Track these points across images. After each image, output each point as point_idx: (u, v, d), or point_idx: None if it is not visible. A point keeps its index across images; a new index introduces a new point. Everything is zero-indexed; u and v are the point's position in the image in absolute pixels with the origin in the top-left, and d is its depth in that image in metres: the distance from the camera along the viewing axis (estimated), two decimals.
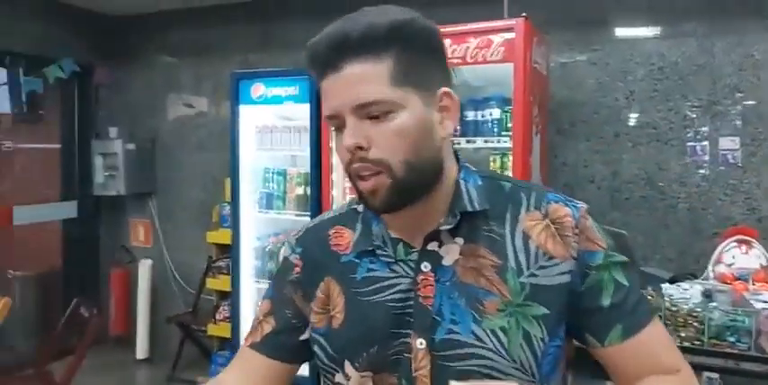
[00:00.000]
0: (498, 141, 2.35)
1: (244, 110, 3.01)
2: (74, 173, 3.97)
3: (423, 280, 0.74)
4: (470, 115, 2.44)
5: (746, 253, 2.21)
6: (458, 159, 0.81)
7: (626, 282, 0.76)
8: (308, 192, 2.87)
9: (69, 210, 3.95)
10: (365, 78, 0.69)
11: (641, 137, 2.73)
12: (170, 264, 3.89)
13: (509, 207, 0.77)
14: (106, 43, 3.98)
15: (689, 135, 2.66)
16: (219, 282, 3.32)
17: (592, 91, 2.78)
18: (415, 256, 0.76)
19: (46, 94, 3.71)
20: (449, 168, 0.77)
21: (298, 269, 0.84)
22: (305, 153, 2.84)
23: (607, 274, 0.76)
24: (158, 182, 3.93)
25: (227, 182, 3.31)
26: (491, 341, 0.71)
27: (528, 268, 0.74)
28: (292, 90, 2.87)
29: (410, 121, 0.70)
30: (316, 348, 0.81)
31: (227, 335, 3.18)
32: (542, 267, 0.74)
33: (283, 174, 3.03)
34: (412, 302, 0.74)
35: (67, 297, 3.66)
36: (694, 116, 2.65)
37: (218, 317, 3.33)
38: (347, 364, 0.77)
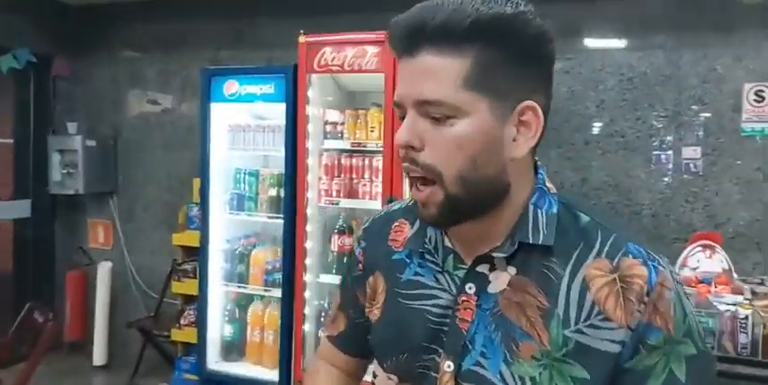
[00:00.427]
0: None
1: (215, 107, 2.93)
2: (28, 170, 3.76)
3: (464, 301, 0.69)
4: None
5: (710, 257, 2.30)
6: (538, 178, 0.71)
7: (684, 379, 0.62)
8: (282, 193, 2.82)
9: (22, 209, 3.74)
10: (434, 73, 0.62)
11: (610, 144, 2.81)
12: (131, 267, 3.74)
13: (578, 246, 0.67)
14: (66, 34, 3.79)
15: (654, 144, 2.76)
16: (185, 286, 3.22)
17: (565, 99, 2.85)
18: (462, 273, 0.70)
19: None
20: (518, 190, 0.68)
21: (360, 265, 0.82)
22: (279, 153, 2.79)
23: (662, 361, 0.62)
24: (120, 181, 3.78)
25: (195, 182, 3.21)
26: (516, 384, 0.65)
27: (577, 322, 0.64)
28: (267, 88, 2.82)
29: (471, 132, 0.62)
30: None
31: (193, 340, 3.08)
32: (593, 326, 0.64)
33: (255, 174, 2.97)
34: (449, 320, 0.69)
35: (19, 301, 3.47)
36: (660, 126, 2.75)
37: (182, 321, 3.22)
38: (376, 363, 0.76)
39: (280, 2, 3.32)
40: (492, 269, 0.69)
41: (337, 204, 2.69)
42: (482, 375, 0.66)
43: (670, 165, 2.74)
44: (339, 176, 2.72)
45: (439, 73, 0.62)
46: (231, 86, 2.88)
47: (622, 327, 0.63)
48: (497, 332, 0.66)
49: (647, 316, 0.63)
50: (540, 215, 0.68)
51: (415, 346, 0.71)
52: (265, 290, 2.88)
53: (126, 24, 3.74)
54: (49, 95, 3.82)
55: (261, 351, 2.87)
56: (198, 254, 3.05)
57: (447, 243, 0.73)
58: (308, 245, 2.70)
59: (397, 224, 0.80)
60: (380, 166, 2.57)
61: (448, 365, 0.68)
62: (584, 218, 0.69)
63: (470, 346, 0.67)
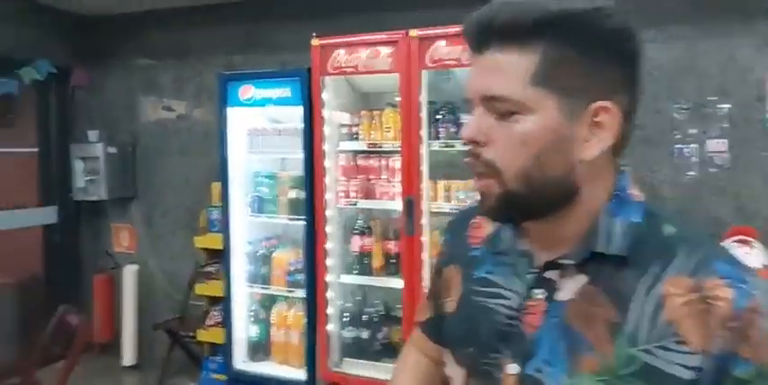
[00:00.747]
0: None
1: (232, 112, 2.96)
2: (52, 177, 3.84)
3: (532, 306, 0.67)
4: (466, 117, 2.46)
5: (749, 252, 2.23)
6: (620, 184, 0.67)
7: None
8: (301, 195, 2.84)
9: (49, 215, 3.83)
10: (501, 69, 0.61)
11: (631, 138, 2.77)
12: (155, 270, 3.81)
13: (657, 259, 0.62)
14: (83, 44, 3.85)
15: (677, 137, 2.71)
16: (209, 288, 3.27)
17: None
18: (532, 278, 0.68)
19: (21, 96, 3.58)
20: (591, 194, 0.65)
21: (444, 258, 0.84)
22: (296, 156, 2.81)
23: None
24: (140, 186, 3.83)
25: (214, 186, 3.25)
26: None
27: (646, 342, 0.60)
28: (282, 91, 2.83)
29: (536, 129, 0.61)
30: None
31: (219, 340, 3.14)
32: (664, 348, 0.59)
33: (274, 177, 3.00)
34: (516, 323, 0.68)
35: (50, 304, 3.56)
36: (682, 118, 2.70)
37: (208, 322, 3.28)
38: (447, 352, 0.76)
39: (291, 5, 3.32)
40: (562, 276, 0.66)
41: (355, 205, 2.71)
42: (542, 383, 0.64)
43: (694, 159, 2.69)
44: (356, 177, 2.73)
45: (506, 69, 0.61)
46: (247, 91, 2.90)
47: (698, 353, 0.58)
48: (562, 342, 0.64)
49: (733, 344, 0.57)
50: (615, 223, 0.64)
51: (483, 344, 0.70)
52: (288, 291, 2.91)
53: (140, 33, 3.78)
54: (69, 105, 3.89)
55: (286, 350, 2.91)
56: (220, 256, 3.10)
57: (521, 245, 0.71)
58: (329, 246, 2.72)
59: (475, 221, 0.80)
60: (398, 166, 2.58)
61: (514, 367, 0.67)
62: (670, 229, 0.64)
63: (535, 352, 0.66)
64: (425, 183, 2.47)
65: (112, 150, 3.63)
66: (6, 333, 3.64)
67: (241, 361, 2.98)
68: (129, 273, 3.77)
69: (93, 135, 3.68)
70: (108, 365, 3.78)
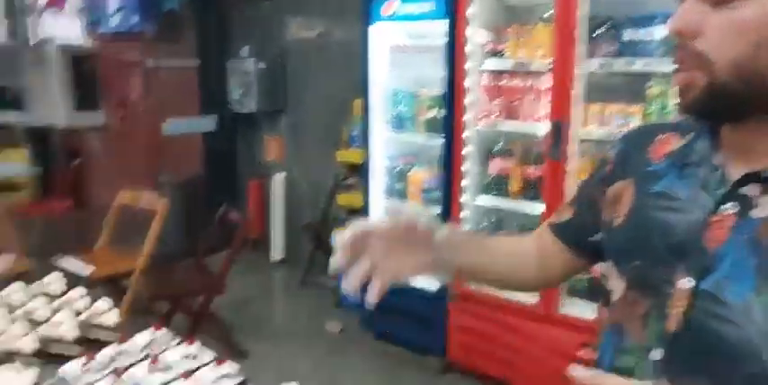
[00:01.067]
0: (660, 64, 2.14)
1: (374, 29, 2.95)
2: (211, 89, 4.20)
3: (718, 221, 0.64)
4: (629, 34, 2.23)
5: None
6: None
7: None
8: (440, 114, 2.84)
9: (210, 123, 4.25)
10: None
11: None
12: (300, 179, 4.14)
13: None
14: None
15: None
16: (349, 199, 3.50)
17: None
18: (723, 191, 0.65)
19: (183, 13, 3.84)
20: None
21: (610, 167, 0.81)
22: (437, 74, 2.77)
23: None
24: (289, 100, 4.07)
25: (356, 102, 3.35)
26: (762, 318, 0.60)
27: None
28: (427, 6, 2.74)
29: (757, 17, 0.56)
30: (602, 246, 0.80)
31: None
32: None
33: (413, 95, 3.00)
34: (697, 237, 0.65)
35: (210, 203, 4.05)
36: None
37: None
38: (610, 264, 0.76)
39: None
40: (763, 192, 0.62)
41: (496, 126, 2.66)
42: (719, 298, 0.63)
43: None
44: (499, 98, 2.65)
45: None
46: (390, 6, 2.85)
47: None
48: (752, 259, 0.61)
49: None
50: None
51: (654, 257, 0.69)
52: (423, 208, 3.03)
53: None
54: (226, 20, 4.11)
55: None
56: (359, 170, 3.26)
57: (715, 160, 0.68)
58: (466, 167, 2.74)
59: (663, 136, 0.77)
60: (546, 87, 2.45)
61: (688, 280, 0.65)
62: None
63: (715, 267, 0.64)
64: (576, 106, 2.34)
65: (262, 66, 3.84)
66: (175, 225, 4.25)
67: None
68: (278, 180, 4.15)
69: (244, 50, 3.90)
70: (258, 260, 4.30)
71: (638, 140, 0.79)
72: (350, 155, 3.45)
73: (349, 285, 0.78)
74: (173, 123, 4.03)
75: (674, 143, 0.74)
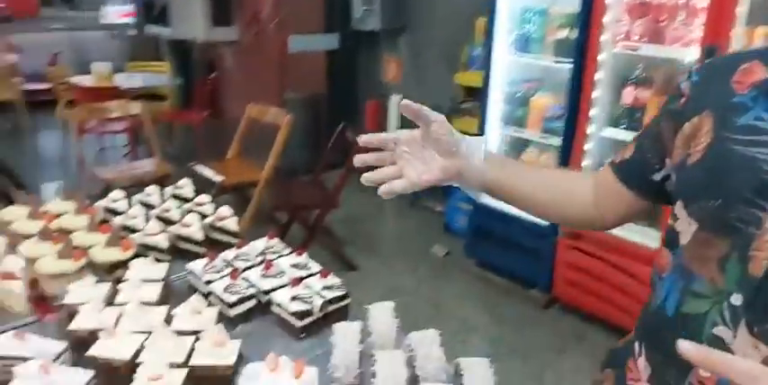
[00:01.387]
0: None
1: None
2: (335, 7, 4.16)
3: None
4: None
5: None
6: None
7: None
8: (572, 35, 2.58)
9: (332, 41, 4.26)
10: None
11: None
12: (416, 101, 4.08)
13: None
14: None
15: None
16: (464, 124, 3.40)
17: None
18: None
19: None
20: None
21: (683, 99, 0.75)
22: None
23: None
24: (410, 18, 3.93)
25: (479, 22, 3.15)
26: None
27: None
28: None
29: None
30: (668, 185, 0.77)
31: None
32: None
33: (544, 13, 2.75)
34: None
35: (330, 120, 4.16)
36: None
37: None
38: (680, 204, 0.71)
39: None
40: None
41: (636, 51, 2.37)
42: None
43: None
44: (644, 17, 2.34)
45: None
46: None
47: None
48: None
49: None
50: None
51: (735, 196, 0.64)
52: (542, 137, 2.87)
53: None
54: None
55: None
56: (476, 94, 3.13)
57: None
58: (596, 94, 2.52)
59: (746, 66, 0.70)
60: (701, 6, 2.11)
61: None
62: None
63: None
64: (738, 29, 2.00)
65: None
66: (297, 141, 4.45)
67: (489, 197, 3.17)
68: (394, 102, 4.12)
69: None
70: None
71: (718, 70, 0.72)
72: (469, 77, 3.31)
73: (368, 179, 0.80)
74: (297, 40, 4.10)
75: (760, 72, 0.68)
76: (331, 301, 1.16)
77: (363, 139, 0.82)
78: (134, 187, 2.40)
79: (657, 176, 0.77)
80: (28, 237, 1.36)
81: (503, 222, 2.97)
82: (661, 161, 0.77)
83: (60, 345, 1.01)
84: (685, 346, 0.45)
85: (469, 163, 0.82)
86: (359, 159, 0.82)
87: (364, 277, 3.13)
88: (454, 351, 1.02)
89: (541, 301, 2.89)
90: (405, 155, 0.81)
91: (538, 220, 2.83)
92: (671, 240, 0.72)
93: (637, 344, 0.78)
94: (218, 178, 3.25)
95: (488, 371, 0.95)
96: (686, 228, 0.69)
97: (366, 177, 0.81)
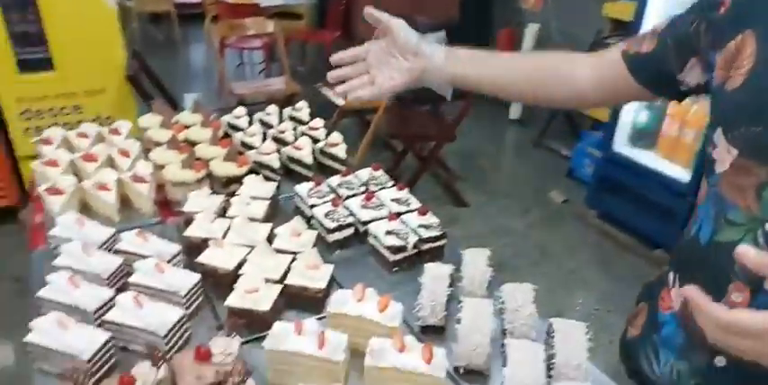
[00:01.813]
0: None
1: None
2: None
3: None
4: None
5: None
6: None
7: None
8: None
9: None
10: None
11: None
12: (555, 32, 3.73)
13: None
14: None
15: None
16: None
17: None
18: None
19: None
20: None
21: (723, 9, 0.67)
22: None
23: None
24: None
25: None
26: None
27: None
28: None
29: None
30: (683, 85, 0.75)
31: (603, 118, 3.08)
32: None
33: None
34: None
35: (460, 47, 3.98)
36: None
37: None
38: (719, 130, 0.66)
39: None
40: None
41: None
42: None
43: None
44: None
45: None
46: None
47: None
48: None
49: None
50: None
51: None
52: None
53: None
54: None
55: (675, 146, 2.68)
56: (626, 28, 2.77)
57: None
58: None
59: None
60: None
61: None
62: None
63: None
64: None
65: None
66: None
67: (621, 143, 2.90)
68: (531, 31, 3.81)
69: None
70: (496, 116, 4.22)
71: None
72: (619, 9, 2.93)
73: (332, 77, 0.86)
74: None
75: None
76: (426, 240, 1.14)
77: (335, 58, 0.86)
78: (262, 104, 2.50)
79: (674, 77, 0.74)
80: (159, 144, 1.47)
81: (635, 175, 2.73)
82: (683, 64, 0.73)
83: (176, 248, 1.10)
84: (743, 248, 0.46)
85: (431, 61, 0.85)
86: (332, 75, 0.86)
87: (473, 214, 3.09)
88: (555, 303, 0.97)
89: (665, 263, 2.67)
90: (375, 64, 0.86)
91: (678, 177, 2.58)
92: (708, 169, 0.70)
93: (671, 275, 0.78)
94: (340, 101, 3.29)
95: (583, 337, 0.88)
96: (725, 155, 0.65)
97: (331, 75, 0.86)
